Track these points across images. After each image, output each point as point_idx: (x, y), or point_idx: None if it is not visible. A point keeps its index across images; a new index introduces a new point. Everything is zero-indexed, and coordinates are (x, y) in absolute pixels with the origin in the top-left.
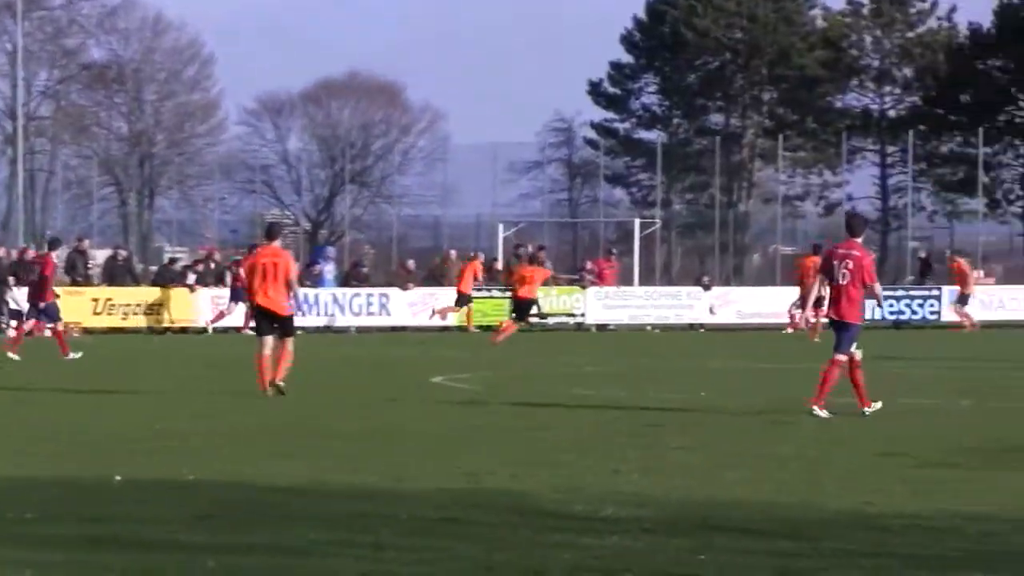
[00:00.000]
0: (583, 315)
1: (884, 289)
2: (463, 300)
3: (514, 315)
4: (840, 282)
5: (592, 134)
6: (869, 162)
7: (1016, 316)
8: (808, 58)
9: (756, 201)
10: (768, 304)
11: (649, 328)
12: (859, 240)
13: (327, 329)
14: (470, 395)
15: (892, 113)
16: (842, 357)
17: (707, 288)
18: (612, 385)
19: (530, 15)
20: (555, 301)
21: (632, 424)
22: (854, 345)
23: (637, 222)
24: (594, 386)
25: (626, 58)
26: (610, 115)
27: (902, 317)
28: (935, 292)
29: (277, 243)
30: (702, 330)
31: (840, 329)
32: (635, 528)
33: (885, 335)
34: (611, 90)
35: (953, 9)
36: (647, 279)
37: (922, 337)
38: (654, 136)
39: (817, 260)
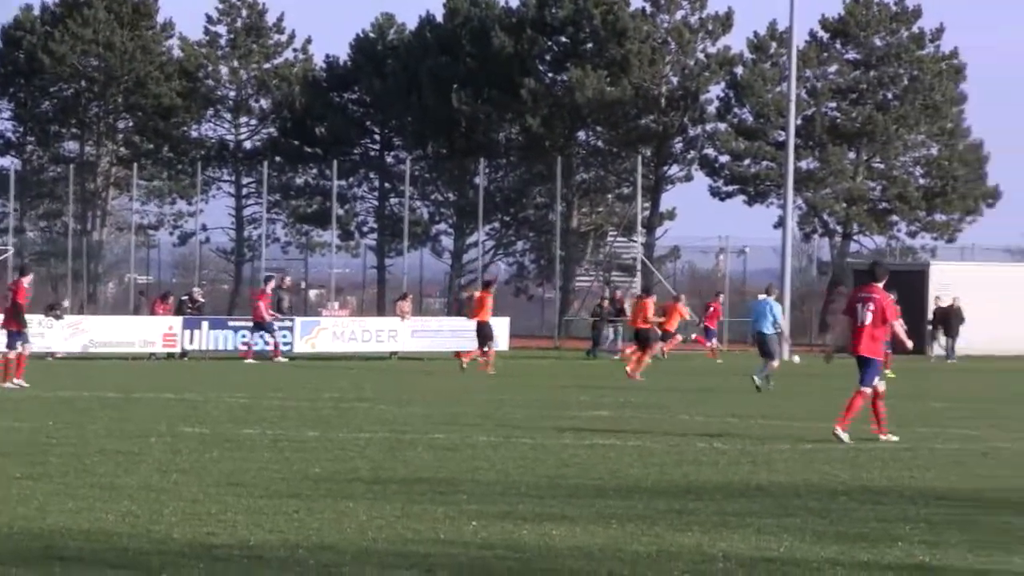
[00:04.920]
0: None
1: (240, 319)
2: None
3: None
4: (864, 322)
5: None
6: (225, 192)
7: (368, 348)
8: (164, 87)
9: (110, 229)
10: (122, 333)
11: None
12: (880, 284)
13: None
14: None
15: (248, 144)
16: (867, 389)
17: (59, 317)
18: None
19: None
20: None
21: None
22: (877, 378)
23: None
24: None
25: None
26: None
27: (257, 348)
28: (288, 324)
29: None
30: (52, 359)
31: (863, 364)
32: None
33: (236, 366)
34: None
35: (309, 41)
36: None
37: (269, 368)
38: (7, 163)
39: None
